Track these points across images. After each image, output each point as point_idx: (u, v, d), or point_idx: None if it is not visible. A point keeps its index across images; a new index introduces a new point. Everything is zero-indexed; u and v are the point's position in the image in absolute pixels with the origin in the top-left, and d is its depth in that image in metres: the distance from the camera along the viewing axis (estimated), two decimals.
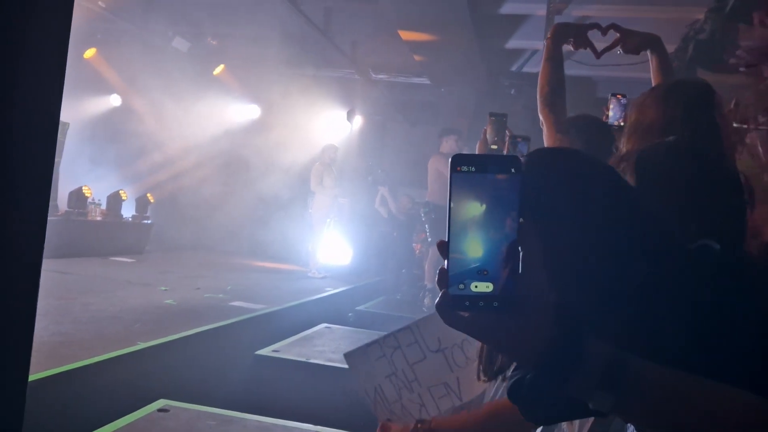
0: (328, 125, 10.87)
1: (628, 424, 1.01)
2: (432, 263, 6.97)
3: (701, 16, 4.93)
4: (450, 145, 7.00)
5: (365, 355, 1.84)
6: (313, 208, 9.20)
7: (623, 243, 0.83)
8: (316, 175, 8.86)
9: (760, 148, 1.70)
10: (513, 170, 0.65)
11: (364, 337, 5.14)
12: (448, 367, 1.84)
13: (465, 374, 1.81)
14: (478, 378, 0.89)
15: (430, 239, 7.20)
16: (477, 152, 2.10)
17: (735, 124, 1.79)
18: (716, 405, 0.66)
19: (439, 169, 6.87)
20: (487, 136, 2.10)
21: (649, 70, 2.04)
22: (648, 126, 1.46)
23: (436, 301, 0.67)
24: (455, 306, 0.66)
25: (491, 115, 2.10)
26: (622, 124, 1.98)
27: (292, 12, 7.67)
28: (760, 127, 1.70)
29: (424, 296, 6.99)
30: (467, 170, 0.66)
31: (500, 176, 0.65)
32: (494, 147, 2.09)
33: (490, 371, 0.88)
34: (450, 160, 0.66)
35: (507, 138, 2.09)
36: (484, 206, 0.65)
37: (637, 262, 0.82)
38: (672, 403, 0.66)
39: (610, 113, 2.04)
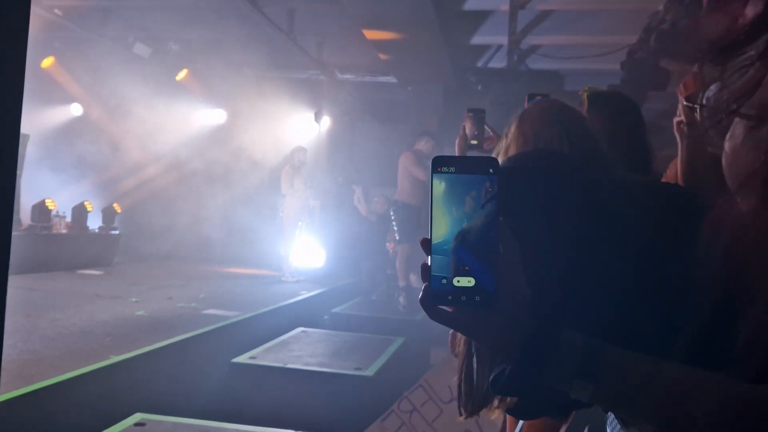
0: (296, 127, 10.79)
1: (609, 414, 1.01)
2: (403, 262, 6.96)
3: (662, 7, 5.01)
4: (426, 146, 6.98)
5: (383, 430, 1.85)
6: (284, 211, 9.13)
7: (594, 241, 0.84)
8: (286, 178, 8.81)
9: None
10: (491, 170, 0.68)
11: (341, 339, 5.11)
12: None
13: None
14: (460, 414, 0.89)
15: (398, 238, 7.18)
16: (456, 148, 2.09)
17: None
18: (694, 390, 0.66)
19: (407, 167, 6.85)
20: (466, 131, 2.08)
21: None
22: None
23: (420, 295, 0.68)
24: (438, 300, 0.68)
25: (469, 110, 2.09)
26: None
27: (255, 14, 7.59)
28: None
29: (399, 295, 6.97)
30: (447, 170, 0.69)
31: (479, 176, 0.68)
32: (474, 142, 2.08)
33: (469, 408, 0.88)
34: (431, 160, 0.69)
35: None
36: (464, 205, 0.68)
37: (608, 259, 0.83)
38: (650, 389, 0.67)
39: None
